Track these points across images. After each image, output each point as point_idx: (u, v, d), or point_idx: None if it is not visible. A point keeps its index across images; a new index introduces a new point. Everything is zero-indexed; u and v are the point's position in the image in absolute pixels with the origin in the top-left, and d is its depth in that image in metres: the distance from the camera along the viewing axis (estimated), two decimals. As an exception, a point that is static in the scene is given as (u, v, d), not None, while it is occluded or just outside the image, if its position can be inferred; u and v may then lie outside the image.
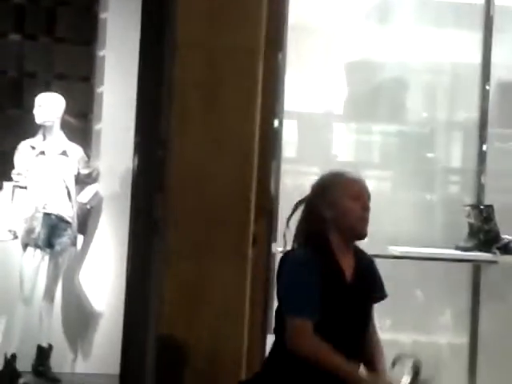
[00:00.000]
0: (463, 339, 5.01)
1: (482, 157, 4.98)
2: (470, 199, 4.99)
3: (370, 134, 5.30)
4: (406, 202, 5.07)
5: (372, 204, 5.03)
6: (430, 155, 5.23)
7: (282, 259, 3.07)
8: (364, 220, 3.12)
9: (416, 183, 5.14)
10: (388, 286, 4.92)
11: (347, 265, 3.08)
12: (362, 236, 3.13)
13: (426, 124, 5.22)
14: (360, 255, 3.19)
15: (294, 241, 3.12)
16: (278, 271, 3.06)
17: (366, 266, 3.17)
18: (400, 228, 4.93)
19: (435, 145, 5.23)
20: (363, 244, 4.79)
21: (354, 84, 5.12)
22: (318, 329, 2.91)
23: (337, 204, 3.07)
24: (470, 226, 4.81)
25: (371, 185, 5.32)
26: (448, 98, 5.27)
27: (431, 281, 5.06)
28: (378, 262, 4.81)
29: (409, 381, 3.01)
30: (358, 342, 3.07)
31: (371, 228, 4.84)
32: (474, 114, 5.04)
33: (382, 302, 4.66)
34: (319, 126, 5.14)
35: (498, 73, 5.02)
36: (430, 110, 5.25)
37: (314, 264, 2.96)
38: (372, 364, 3.13)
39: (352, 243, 3.16)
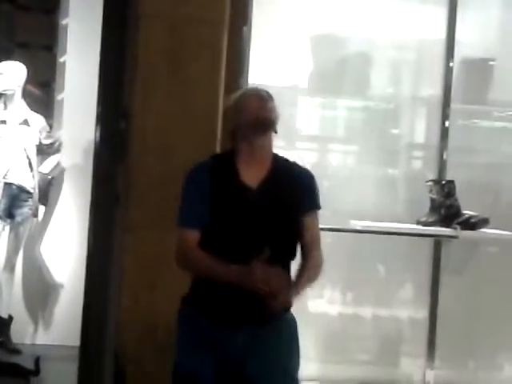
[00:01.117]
0: (423, 313, 5.06)
1: (444, 133, 5.02)
2: (432, 175, 5.02)
3: (334, 108, 5.30)
4: (370, 177, 5.09)
5: (335, 178, 5.11)
6: (393, 131, 5.26)
7: None
8: (262, 108, 2.99)
9: (379, 158, 5.16)
10: (349, 261, 5.01)
11: (253, 173, 2.95)
12: (262, 121, 2.97)
13: (390, 100, 5.23)
14: (279, 165, 3.02)
15: None
16: None
17: (283, 176, 2.99)
18: (363, 202, 4.95)
19: (399, 120, 5.25)
20: (326, 217, 4.83)
21: (320, 58, 5.11)
22: (209, 237, 2.88)
23: (238, 108, 3.02)
24: (432, 201, 4.85)
25: (335, 159, 5.41)
26: (412, 74, 5.28)
27: (392, 255, 5.10)
28: (340, 236, 4.90)
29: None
30: (257, 254, 2.84)
31: (335, 202, 4.91)
32: (437, 91, 5.06)
33: (344, 276, 4.72)
34: (284, 99, 5.11)
35: (462, 50, 5.04)
36: (395, 85, 5.27)
37: (204, 170, 2.96)
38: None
39: (259, 139, 2.98)
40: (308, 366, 4.94)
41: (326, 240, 4.99)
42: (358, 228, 4.67)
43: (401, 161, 5.24)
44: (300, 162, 3.15)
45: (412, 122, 5.35)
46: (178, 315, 3.02)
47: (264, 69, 4.83)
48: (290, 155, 5.06)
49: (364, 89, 5.15)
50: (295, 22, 4.91)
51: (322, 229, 4.64)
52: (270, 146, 3.03)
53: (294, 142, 5.18)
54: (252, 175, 2.95)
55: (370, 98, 5.16)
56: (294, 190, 2.99)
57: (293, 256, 3.01)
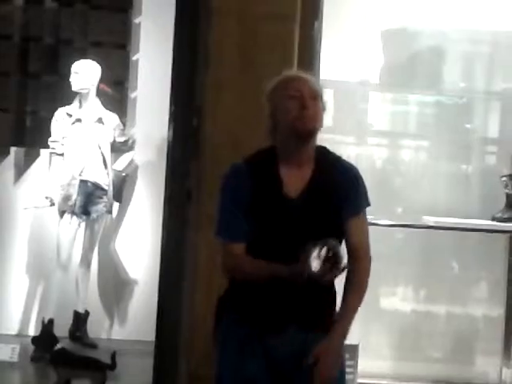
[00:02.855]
0: (499, 311, 4.99)
1: (520, 127, 4.94)
2: (507, 170, 4.94)
3: (406, 103, 5.26)
4: (443, 173, 5.04)
5: (408, 174, 5.06)
6: (467, 125, 5.19)
7: None
8: (302, 119, 2.73)
9: (453, 153, 5.10)
10: (422, 257, 4.97)
11: (295, 179, 2.76)
12: (302, 134, 2.75)
13: (463, 94, 5.16)
14: (322, 166, 2.81)
15: None
16: None
17: (326, 181, 2.78)
18: (436, 198, 4.90)
19: (473, 115, 5.19)
20: (398, 213, 4.79)
21: (391, 52, 5.07)
22: (253, 249, 2.73)
23: (276, 105, 2.79)
24: (508, 196, 4.77)
25: (407, 155, 5.37)
26: (486, 68, 5.20)
27: (467, 252, 5.03)
28: (412, 232, 4.85)
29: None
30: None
31: (407, 198, 4.87)
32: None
33: (417, 272, 4.64)
34: (355, 94, 5.10)
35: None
36: (468, 79, 5.20)
37: (242, 176, 2.75)
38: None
39: (300, 147, 2.79)
40: (381, 363, 4.91)
41: (398, 236, 5.01)
42: (431, 224, 4.62)
43: (475, 156, 5.17)
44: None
45: (486, 117, 5.27)
46: (217, 319, 2.88)
47: (335, 64, 4.82)
48: (362, 151, 5.11)
49: (436, 83, 5.09)
50: (366, 16, 4.89)
51: (395, 225, 4.67)
52: (312, 147, 2.83)
53: (365, 138, 5.16)
54: (294, 182, 2.77)
55: (443, 92, 5.11)
56: (336, 196, 2.78)
57: None
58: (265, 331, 2.76)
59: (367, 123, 5.20)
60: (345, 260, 2.63)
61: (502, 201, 4.79)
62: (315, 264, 2.56)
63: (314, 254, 2.56)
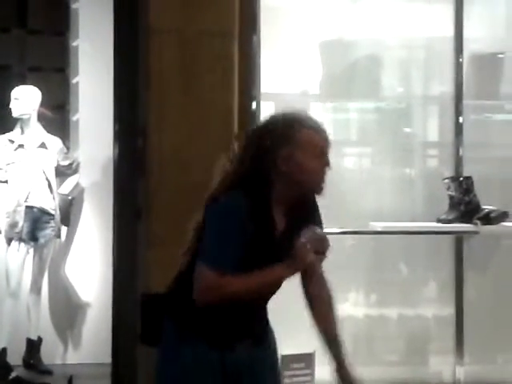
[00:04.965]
0: (449, 311, 5.06)
1: (458, 129, 5.02)
2: (448, 172, 5.02)
3: (347, 111, 5.32)
4: (386, 178, 5.10)
5: (352, 181, 5.12)
6: (407, 130, 5.27)
7: (208, 206, 2.74)
8: (323, 178, 2.75)
9: (395, 158, 5.17)
10: (371, 262, 5.02)
11: (279, 215, 2.75)
12: (316, 194, 2.80)
13: (402, 99, 5.24)
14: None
15: (223, 181, 2.76)
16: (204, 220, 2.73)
17: (300, 211, 2.79)
18: (381, 203, 4.96)
19: (412, 119, 5.26)
20: (346, 220, 4.84)
21: (329, 63, 5.13)
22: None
23: (296, 160, 2.68)
24: (451, 198, 4.85)
25: (351, 162, 5.43)
26: (422, 73, 5.29)
27: (414, 255, 5.10)
28: (360, 238, 4.91)
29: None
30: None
31: (353, 205, 4.92)
32: (448, 88, 5.07)
33: (368, 277, 4.69)
34: (296, 106, 5.14)
35: (470, 45, 5.05)
36: (406, 85, 5.28)
37: (242, 211, 2.64)
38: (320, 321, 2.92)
39: (298, 198, 2.78)
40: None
41: (347, 243, 5.06)
42: (378, 229, 4.68)
43: (416, 160, 5.25)
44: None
45: (425, 121, 5.36)
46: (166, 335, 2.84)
47: (275, 76, 4.87)
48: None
49: (375, 90, 5.16)
50: (302, 28, 4.94)
51: (343, 232, 4.71)
52: None
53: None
54: (279, 215, 2.76)
55: (382, 98, 5.18)
56: (309, 218, 2.80)
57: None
58: (224, 348, 2.77)
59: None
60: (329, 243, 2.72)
61: (446, 203, 4.88)
62: (310, 254, 2.66)
63: (307, 245, 2.65)
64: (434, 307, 5.18)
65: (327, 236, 2.76)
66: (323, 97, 5.23)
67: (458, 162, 5.01)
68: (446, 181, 4.89)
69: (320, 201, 2.88)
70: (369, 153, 5.33)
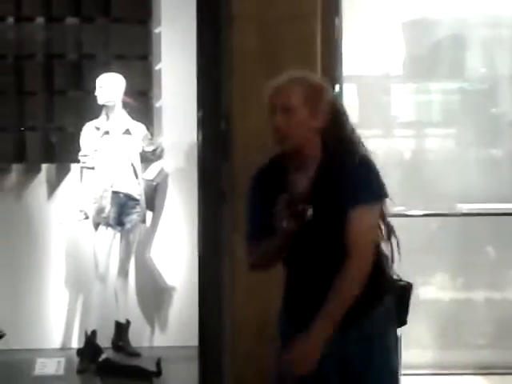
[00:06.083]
0: (538, 294, 4.98)
1: (545, 108, 4.92)
2: (537, 151, 4.93)
3: (430, 93, 5.27)
4: (472, 159, 5.04)
5: (437, 163, 5.06)
6: (492, 110, 5.18)
7: None
8: (274, 133, 2.76)
9: (480, 139, 5.10)
10: (458, 244, 4.96)
11: (301, 180, 2.73)
12: (284, 151, 2.76)
13: (486, 79, 5.16)
14: (325, 165, 2.73)
15: None
16: None
17: (329, 177, 2.70)
18: (467, 185, 4.90)
19: (497, 99, 5.17)
20: (431, 202, 4.79)
21: (412, 43, 5.08)
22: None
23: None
24: (539, 178, 4.76)
25: (435, 144, 5.36)
26: (508, 51, 5.19)
27: (502, 236, 5.03)
28: (447, 221, 4.85)
29: None
30: (320, 263, 2.73)
31: (438, 186, 4.86)
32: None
33: (454, 260, 4.61)
34: (379, 88, 5.12)
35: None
36: (490, 64, 5.19)
37: (262, 180, 2.81)
38: None
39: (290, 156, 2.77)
40: (423, 353, 4.92)
41: (433, 225, 5.01)
42: (465, 211, 4.62)
43: (502, 140, 5.16)
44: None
45: (511, 100, 5.26)
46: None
47: (357, 59, 4.84)
48: (389, 144, 5.11)
49: (459, 70, 5.09)
50: (385, 8, 4.90)
51: (428, 214, 4.67)
52: (309, 152, 2.76)
53: (391, 130, 5.17)
54: (299, 186, 2.74)
55: (466, 79, 5.11)
56: (337, 192, 2.68)
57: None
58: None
59: (392, 115, 5.21)
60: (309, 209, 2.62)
61: (534, 183, 4.79)
62: (284, 220, 2.60)
63: (282, 212, 2.60)
64: (523, 290, 5.11)
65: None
66: (406, 78, 5.19)
67: (546, 141, 4.91)
68: (534, 161, 4.80)
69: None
70: (453, 134, 5.26)
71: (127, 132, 5.72)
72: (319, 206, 2.63)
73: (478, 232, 4.90)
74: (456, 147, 5.21)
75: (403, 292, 2.88)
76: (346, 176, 2.66)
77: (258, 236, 2.77)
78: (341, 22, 4.07)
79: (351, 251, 2.65)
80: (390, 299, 2.83)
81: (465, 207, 4.64)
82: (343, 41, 4.17)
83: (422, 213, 4.53)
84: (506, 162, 5.07)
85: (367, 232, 2.69)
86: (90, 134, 5.69)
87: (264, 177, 2.82)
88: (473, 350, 5.01)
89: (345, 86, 4.50)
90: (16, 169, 6.01)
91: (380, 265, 2.79)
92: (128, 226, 5.71)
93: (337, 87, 4.07)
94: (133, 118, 5.78)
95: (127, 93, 5.77)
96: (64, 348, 5.97)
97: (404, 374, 4.41)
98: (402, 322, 2.90)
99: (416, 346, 4.83)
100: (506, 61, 5.18)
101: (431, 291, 5.01)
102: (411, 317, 2.99)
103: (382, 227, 2.81)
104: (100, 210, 5.62)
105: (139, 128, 5.79)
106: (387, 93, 5.20)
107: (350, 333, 2.73)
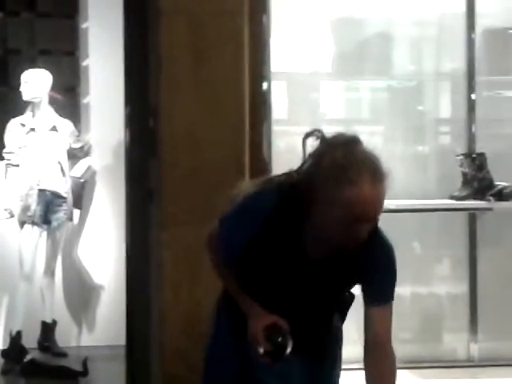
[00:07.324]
0: (463, 288, 5.06)
1: (471, 106, 5.00)
2: (461, 149, 5.01)
3: (358, 90, 5.30)
4: (399, 156, 5.09)
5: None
6: (419, 108, 5.25)
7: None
8: (351, 241, 2.41)
9: (407, 136, 5.16)
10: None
11: (320, 249, 2.49)
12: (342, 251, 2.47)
13: (413, 77, 5.22)
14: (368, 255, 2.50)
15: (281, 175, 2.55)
16: None
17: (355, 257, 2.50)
18: (394, 181, 4.94)
19: (424, 97, 5.25)
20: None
21: (340, 41, 5.12)
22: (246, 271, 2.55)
23: (324, 215, 2.37)
24: (464, 175, 4.84)
25: (363, 140, 5.39)
26: (434, 50, 5.27)
27: (427, 232, 5.10)
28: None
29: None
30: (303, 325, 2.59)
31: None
32: (461, 64, 5.04)
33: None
34: (307, 85, 5.14)
35: (482, 21, 5.01)
36: (417, 62, 5.26)
37: (266, 214, 2.44)
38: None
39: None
40: (350, 348, 4.95)
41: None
42: (392, 207, 4.67)
43: (429, 137, 5.24)
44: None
45: (437, 98, 5.34)
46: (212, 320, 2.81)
47: (285, 56, 4.85)
48: (317, 141, 5.14)
49: (386, 68, 5.14)
50: (313, 6, 4.92)
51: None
52: None
53: (319, 127, 5.19)
54: (318, 250, 2.49)
55: (393, 76, 5.16)
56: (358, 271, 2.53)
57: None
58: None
59: (321, 112, 5.24)
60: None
61: (459, 180, 4.86)
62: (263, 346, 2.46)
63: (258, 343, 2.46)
64: (448, 285, 5.19)
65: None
66: (334, 75, 5.22)
67: (471, 138, 4.99)
68: (459, 158, 4.87)
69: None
70: (380, 131, 5.31)
71: (54, 129, 5.64)
72: (326, 274, 2.52)
73: (404, 228, 4.95)
74: (383, 144, 5.26)
75: (344, 303, 2.81)
76: (375, 262, 2.51)
77: (233, 261, 2.58)
78: (269, 20, 4.08)
79: (388, 347, 2.59)
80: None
81: (392, 203, 4.69)
82: (272, 38, 4.17)
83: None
84: (431, 158, 5.15)
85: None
86: (14, 131, 5.59)
87: (270, 219, 2.45)
88: (398, 344, 5.06)
89: (273, 83, 4.52)
90: None
91: None
92: (55, 224, 5.63)
93: (265, 84, 4.08)
94: (60, 115, 5.70)
95: (54, 89, 5.68)
96: (-12, 349, 5.86)
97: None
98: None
99: (345, 341, 4.86)
100: (432, 59, 5.26)
101: (357, 286, 5.05)
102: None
103: None
104: (26, 208, 5.53)
105: (66, 125, 5.71)
106: (316, 90, 5.23)
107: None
